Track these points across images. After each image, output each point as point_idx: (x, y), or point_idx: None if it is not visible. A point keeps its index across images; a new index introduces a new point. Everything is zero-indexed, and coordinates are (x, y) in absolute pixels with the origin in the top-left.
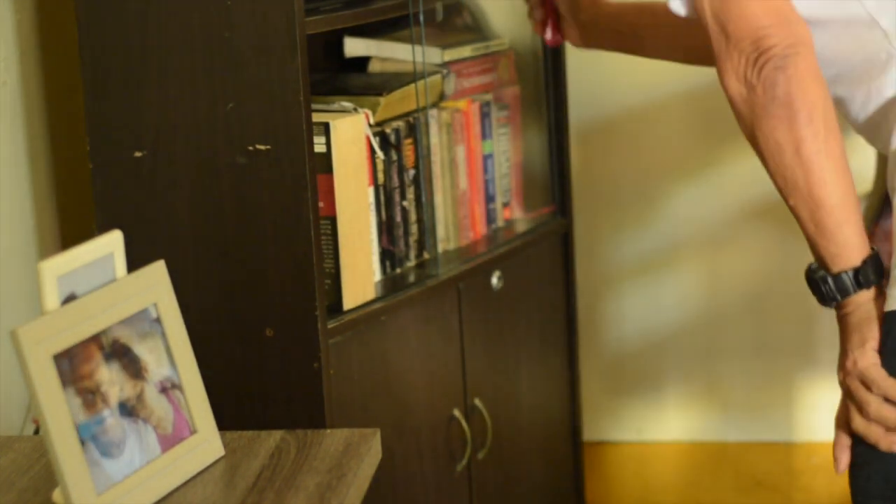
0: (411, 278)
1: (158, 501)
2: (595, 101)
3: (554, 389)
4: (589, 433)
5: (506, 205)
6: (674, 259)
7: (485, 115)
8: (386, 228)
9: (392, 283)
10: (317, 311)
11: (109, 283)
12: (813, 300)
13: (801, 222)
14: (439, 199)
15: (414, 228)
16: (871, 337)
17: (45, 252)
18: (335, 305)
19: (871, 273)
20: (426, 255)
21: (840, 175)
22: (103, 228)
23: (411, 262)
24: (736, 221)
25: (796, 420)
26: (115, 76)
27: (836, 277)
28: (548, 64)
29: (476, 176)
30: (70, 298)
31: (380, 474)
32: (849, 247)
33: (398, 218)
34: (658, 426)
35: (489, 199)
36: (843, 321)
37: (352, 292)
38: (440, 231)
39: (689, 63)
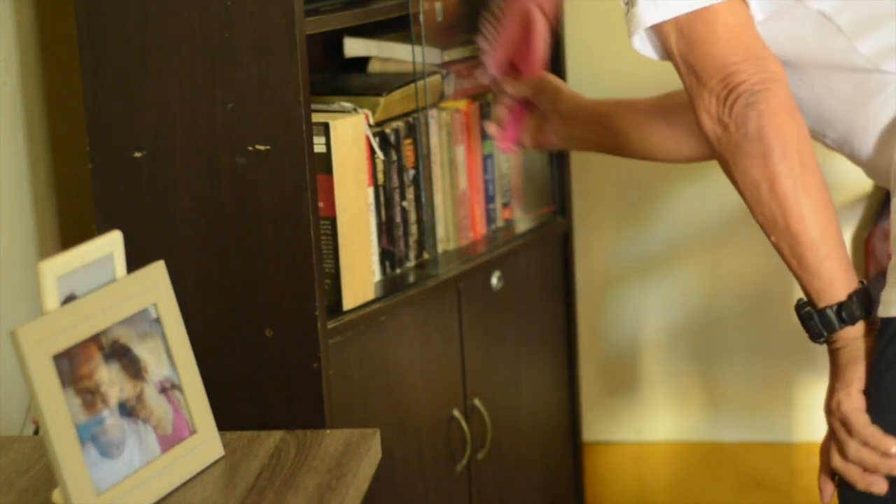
0: (411, 278)
1: (158, 501)
2: None
3: (554, 389)
4: (589, 433)
5: (506, 205)
6: (674, 259)
7: (485, 116)
8: (386, 228)
9: (392, 284)
10: (317, 312)
11: (109, 283)
12: None
13: (784, 259)
14: (439, 199)
15: (414, 228)
16: (857, 378)
17: (45, 252)
18: (335, 305)
19: (857, 308)
20: (426, 256)
21: (819, 210)
22: (103, 228)
23: (411, 263)
24: (736, 221)
25: (796, 420)
26: (115, 76)
27: (821, 313)
28: (548, 64)
29: (476, 176)
30: (70, 298)
31: (380, 474)
32: (833, 282)
33: (398, 218)
34: (658, 426)
35: (489, 199)
36: (832, 356)
37: (352, 292)
38: (440, 231)
39: (665, 159)
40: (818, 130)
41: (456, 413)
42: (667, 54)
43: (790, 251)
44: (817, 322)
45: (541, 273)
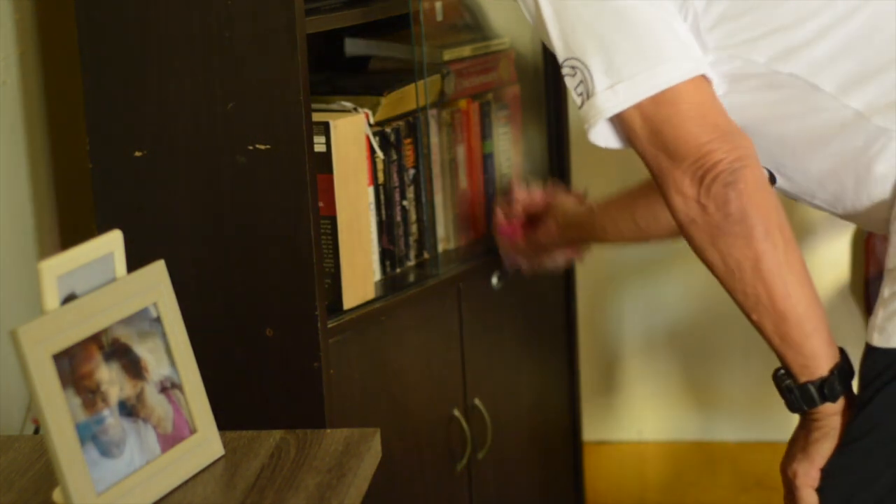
0: (411, 278)
1: (158, 501)
2: None
3: (554, 389)
4: (589, 433)
5: None
6: (674, 259)
7: (485, 115)
8: (386, 228)
9: (392, 283)
10: (317, 311)
11: (109, 282)
12: None
13: (765, 335)
14: (439, 198)
15: (414, 228)
16: (821, 457)
17: (45, 252)
18: (335, 305)
19: (838, 384)
20: (426, 255)
21: (803, 286)
22: (103, 228)
23: (411, 262)
24: None
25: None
26: (115, 76)
27: (803, 388)
28: (548, 64)
29: (476, 176)
30: (70, 298)
31: (380, 474)
32: (816, 358)
33: (398, 218)
34: (658, 426)
35: (489, 198)
36: (806, 425)
37: (352, 292)
38: (440, 231)
39: (662, 236)
40: (806, 194)
41: (456, 413)
42: (629, 141)
43: (774, 328)
44: (798, 396)
45: (541, 273)
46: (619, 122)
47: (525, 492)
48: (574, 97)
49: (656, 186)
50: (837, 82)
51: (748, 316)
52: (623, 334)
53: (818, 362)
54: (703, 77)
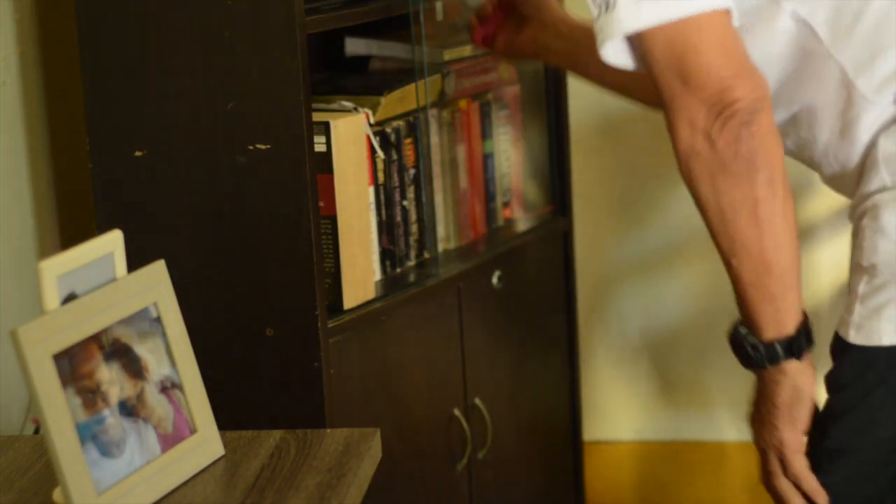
0: (411, 278)
1: (158, 501)
2: (595, 101)
3: (554, 389)
4: (589, 433)
5: (506, 204)
6: (674, 259)
7: (485, 115)
8: (386, 228)
9: (392, 283)
10: (317, 311)
11: (109, 282)
12: (813, 299)
13: (739, 284)
14: (439, 198)
15: (414, 228)
16: (803, 419)
17: (45, 252)
18: (335, 305)
19: (804, 342)
20: (426, 255)
21: (792, 240)
22: (103, 228)
23: (411, 262)
24: None
25: None
26: (115, 76)
27: (769, 346)
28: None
29: (476, 175)
30: (70, 298)
31: (380, 474)
32: (789, 314)
33: (398, 217)
34: (658, 426)
35: (489, 198)
36: (768, 389)
37: (352, 292)
38: (440, 231)
39: (629, 97)
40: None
41: (456, 412)
42: (644, 63)
43: (755, 278)
44: (762, 353)
45: (541, 273)
46: (637, 42)
47: (525, 492)
48: (591, 8)
49: (664, 113)
50: (832, 34)
51: (727, 262)
52: (623, 334)
53: (788, 319)
54: (728, 10)
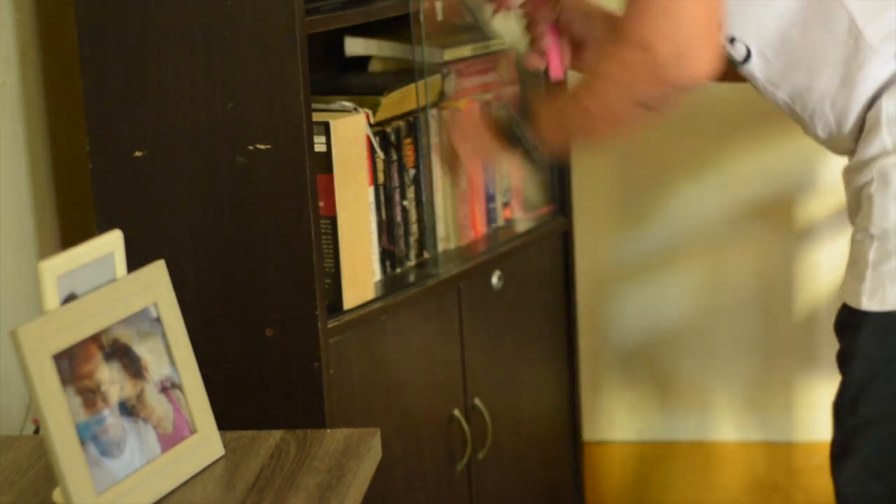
0: (411, 278)
1: (158, 501)
2: None
3: (554, 389)
4: (589, 433)
5: (506, 205)
6: (674, 259)
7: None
8: (386, 228)
9: (392, 283)
10: (317, 311)
11: (109, 282)
12: (814, 299)
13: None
14: (439, 198)
15: (414, 228)
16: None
17: (45, 252)
18: (335, 305)
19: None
20: (426, 255)
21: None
22: (103, 228)
23: (411, 262)
24: (736, 221)
25: (796, 420)
26: (115, 76)
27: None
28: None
29: (476, 175)
30: (70, 298)
31: (380, 474)
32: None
33: (398, 218)
34: (658, 426)
35: (489, 198)
36: None
37: (352, 292)
38: (440, 231)
39: None
40: (777, 76)
41: (456, 413)
42: None
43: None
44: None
45: (541, 273)
46: None
47: (525, 492)
48: None
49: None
50: None
51: (579, 103)
52: (623, 334)
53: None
54: None
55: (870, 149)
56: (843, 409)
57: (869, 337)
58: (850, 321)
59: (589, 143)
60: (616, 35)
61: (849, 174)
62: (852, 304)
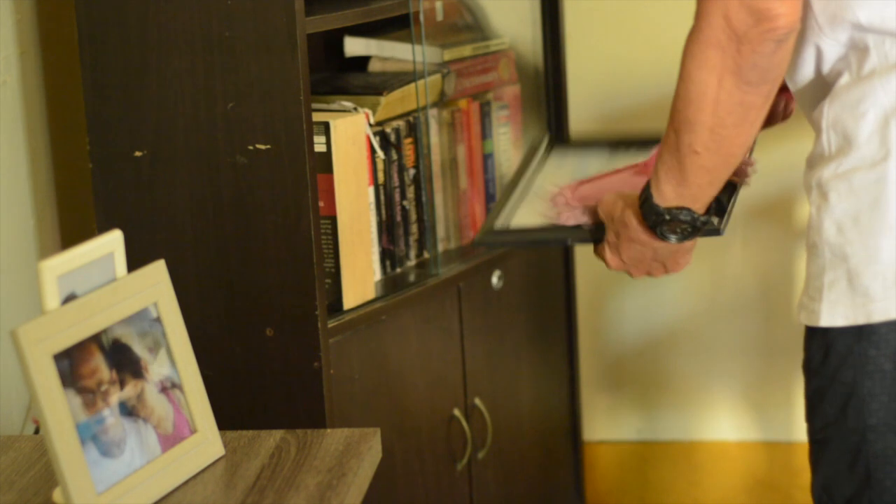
0: (411, 278)
1: (158, 501)
2: (595, 101)
3: (554, 389)
4: (589, 433)
5: None
6: None
7: (485, 115)
8: (386, 228)
9: (392, 283)
10: (317, 311)
11: (109, 282)
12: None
13: (694, 161)
14: (439, 198)
15: (414, 228)
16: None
17: (45, 252)
18: (335, 305)
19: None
20: (426, 255)
21: (747, 148)
22: (103, 228)
23: (411, 262)
24: (736, 221)
25: (796, 420)
26: (115, 76)
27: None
28: (548, 64)
29: (476, 175)
30: (70, 298)
31: (380, 474)
32: (707, 198)
33: (398, 218)
34: (658, 426)
35: (489, 198)
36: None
37: (352, 292)
38: (440, 231)
39: None
40: None
41: (456, 412)
42: None
43: (712, 166)
44: (689, 226)
45: (541, 273)
46: None
47: (525, 492)
48: None
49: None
50: None
51: (684, 141)
52: (623, 334)
53: (705, 201)
54: None
55: (816, 146)
56: (806, 420)
57: (816, 352)
58: (806, 331)
59: (723, 162)
60: (693, 25)
61: (805, 173)
62: (796, 314)
